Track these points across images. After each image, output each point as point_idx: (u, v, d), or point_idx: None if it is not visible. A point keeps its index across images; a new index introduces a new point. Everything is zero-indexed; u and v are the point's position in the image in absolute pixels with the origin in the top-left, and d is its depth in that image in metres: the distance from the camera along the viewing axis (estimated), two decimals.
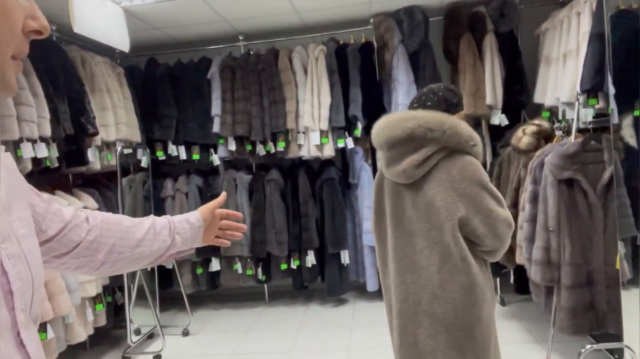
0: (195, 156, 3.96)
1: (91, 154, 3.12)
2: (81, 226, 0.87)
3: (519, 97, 3.71)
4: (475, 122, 3.80)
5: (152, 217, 1.02)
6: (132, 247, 0.95)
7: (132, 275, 3.32)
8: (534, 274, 2.51)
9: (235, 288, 4.16)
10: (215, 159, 3.97)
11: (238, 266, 3.92)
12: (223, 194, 1.16)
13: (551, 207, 2.45)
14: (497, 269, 3.37)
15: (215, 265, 3.94)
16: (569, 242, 2.41)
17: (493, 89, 3.64)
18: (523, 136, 2.91)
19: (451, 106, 1.64)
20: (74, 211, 0.89)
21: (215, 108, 3.85)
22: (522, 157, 2.95)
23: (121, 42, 3.15)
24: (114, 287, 3.37)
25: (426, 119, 1.50)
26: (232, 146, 3.87)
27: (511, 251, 2.94)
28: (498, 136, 3.70)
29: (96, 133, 3.11)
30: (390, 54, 3.84)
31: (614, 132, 2.83)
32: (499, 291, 3.71)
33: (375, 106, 3.81)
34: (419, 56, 3.84)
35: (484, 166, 3.78)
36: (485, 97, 3.63)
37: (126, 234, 0.94)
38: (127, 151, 3.61)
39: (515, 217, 2.88)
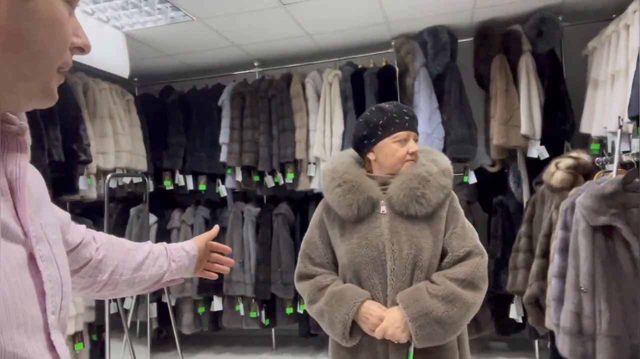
0: (202, 186, 3.77)
1: (82, 182, 3.00)
2: (91, 244, 0.92)
3: (561, 127, 3.18)
4: (511, 154, 3.31)
5: (149, 243, 1.05)
6: (133, 270, 0.97)
7: (120, 312, 3.11)
8: (562, 345, 1.97)
9: (240, 330, 3.83)
10: (222, 190, 3.75)
11: (240, 307, 3.60)
12: (216, 227, 1.22)
13: (583, 261, 1.93)
14: (533, 330, 2.80)
15: (217, 304, 3.65)
16: (606, 307, 1.86)
17: (529, 116, 3.15)
18: (556, 170, 2.41)
19: (361, 144, 1.51)
20: (85, 230, 0.93)
21: (223, 136, 3.66)
22: (555, 197, 2.44)
23: (119, 67, 3.06)
24: (101, 324, 3.17)
25: None
26: (239, 177, 3.64)
27: (541, 310, 2.40)
28: (538, 171, 3.17)
29: (88, 161, 3.00)
30: (411, 79, 3.48)
31: None
32: (537, 356, 3.10)
33: None
34: (444, 81, 3.44)
35: (520, 205, 3.25)
36: (520, 126, 3.14)
37: (128, 256, 0.97)
38: (129, 179, 3.48)
39: (546, 269, 2.36)
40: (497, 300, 3.29)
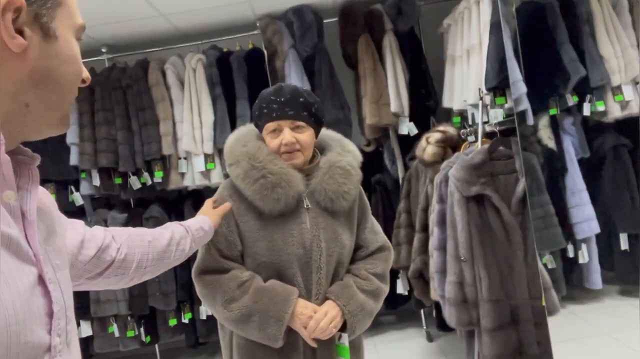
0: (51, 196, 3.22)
1: None
2: (111, 245, 0.97)
3: (426, 103, 3.30)
4: (383, 133, 3.36)
5: (170, 227, 1.14)
6: (156, 260, 1.06)
7: None
8: (449, 316, 2.02)
9: (117, 353, 3.40)
10: (77, 199, 3.25)
11: (114, 328, 3.18)
12: (227, 204, 1.29)
13: (460, 231, 1.98)
14: (419, 301, 2.88)
15: (85, 330, 3.18)
16: (485, 273, 1.94)
17: (397, 94, 3.21)
18: (427, 145, 2.46)
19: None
20: (104, 232, 0.99)
21: (71, 135, 3.15)
22: (428, 171, 2.50)
23: None
24: None
25: None
26: (97, 181, 3.17)
27: (425, 283, 2.46)
28: (409, 147, 3.27)
29: None
30: (281, 61, 3.33)
31: (530, 135, 2.46)
32: (424, 324, 3.23)
33: None
34: (314, 62, 3.36)
35: (397, 182, 3.33)
36: (390, 104, 3.19)
37: (149, 248, 1.05)
38: None
39: (427, 242, 2.41)
40: None
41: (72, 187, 3.26)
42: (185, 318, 3.23)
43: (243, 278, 1.29)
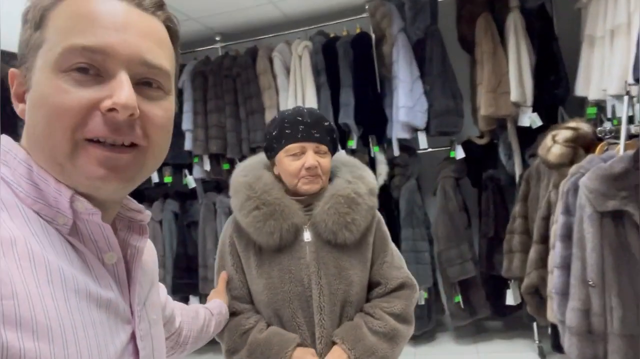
0: (167, 179, 3.46)
1: None
2: (176, 318, 1.00)
3: (554, 91, 2.90)
4: (500, 124, 3.03)
5: (200, 311, 1.14)
6: (195, 338, 1.09)
7: None
8: (569, 346, 1.76)
9: None
10: (190, 181, 3.44)
11: None
12: (224, 274, 1.27)
13: (590, 251, 1.68)
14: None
15: (194, 304, 3.41)
16: (618, 303, 1.63)
17: (519, 81, 2.86)
18: (553, 144, 2.14)
19: (266, 157, 1.32)
20: (179, 321, 1.01)
21: (186, 122, 3.33)
22: (553, 174, 2.18)
23: None
24: None
25: None
26: (207, 166, 3.33)
27: (541, 299, 2.18)
28: (530, 141, 2.91)
29: None
30: (389, 46, 3.15)
31: None
32: (536, 338, 2.92)
33: (373, 110, 3.13)
34: (425, 47, 3.12)
35: (512, 179, 3.00)
36: (510, 93, 2.85)
37: (193, 325, 1.08)
38: None
39: (546, 256, 2.13)
40: (492, 282, 3.08)
41: (186, 171, 3.46)
42: None
43: (246, 326, 1.22)
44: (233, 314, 1.25)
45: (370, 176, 1.30)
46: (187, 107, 3.35)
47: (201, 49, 3.58)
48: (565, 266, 1.84)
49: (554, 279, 1.90)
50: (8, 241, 0.45)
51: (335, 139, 1.28)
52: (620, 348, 1.64)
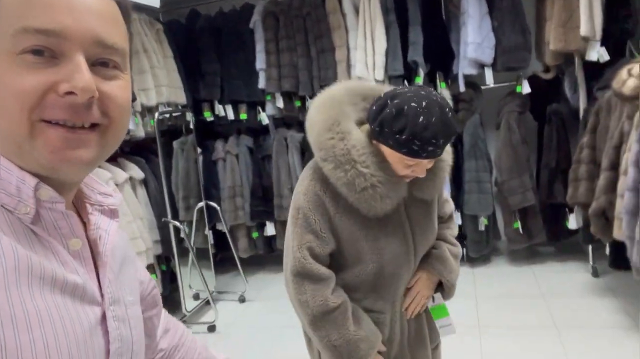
0: (243, 116, 3.71)
1: (130, 122, 2.96)
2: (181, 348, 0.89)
3: (624, 25, 2.94)
4: (567, 59, 3.12)
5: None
6: None
7: (185, 237, 3.25)
8: (637, 257, 2.00)
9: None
10: (264, 118, 3.69)
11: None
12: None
13: None
14: (588, 237, 2.83)
15: (270, 229, 3.77)
16: None
17: (590, 15, 2.91)
18: (628, 77, 2.27)
19: (372, 131, 1.20)
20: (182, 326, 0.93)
21: (260, 61, 3.52)
22: (626, 106, 2.33)
23: None
24: (167, 255, 3.33)
25: None
26: (280, 103, 3.55)
27: (607, 221, 2.41)
28: (596, 75, 3.01)
29: (133, 99, 2.93)
30: None
31: None
32: (591, 260, 3.18)
33: (440, 48, 3.26)
34: None
35: (576, 112, 3.14)
36: (580, 27, 2.92)
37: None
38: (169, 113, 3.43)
39: (616, 182, 2.33)
40: (549, 209, 3.31)
41: (260, 108, 3.70)
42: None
43: (331, 304, 1.21)
44: (319, 279, 1.22)
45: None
46: (260, 47, 3.52)
47: None
48: (637, 189, 2.04)
49: (624, 201, 2.11)
50: None
51: None
52: None
